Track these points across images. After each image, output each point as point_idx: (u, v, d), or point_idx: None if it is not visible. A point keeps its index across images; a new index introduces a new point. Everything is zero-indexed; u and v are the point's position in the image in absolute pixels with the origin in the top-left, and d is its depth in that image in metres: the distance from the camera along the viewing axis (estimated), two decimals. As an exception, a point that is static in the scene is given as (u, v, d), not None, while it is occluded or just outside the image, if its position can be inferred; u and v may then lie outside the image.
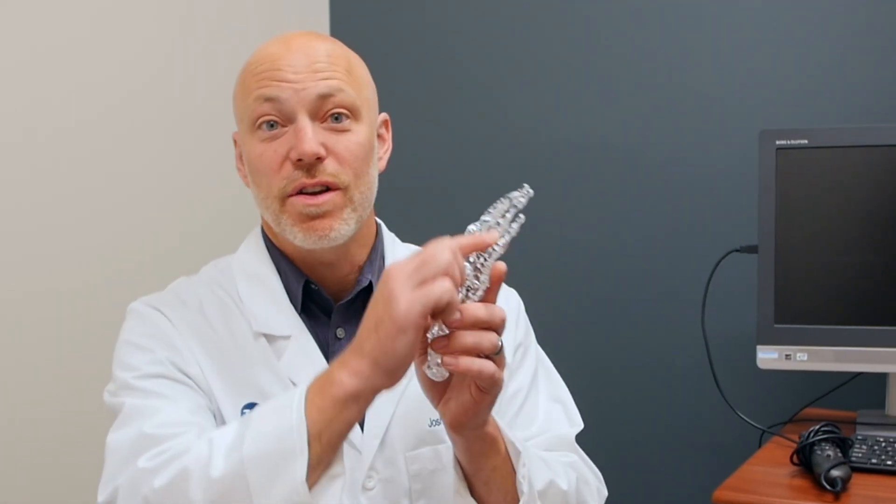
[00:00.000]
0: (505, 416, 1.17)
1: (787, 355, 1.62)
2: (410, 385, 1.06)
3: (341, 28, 2.26)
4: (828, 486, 1.33)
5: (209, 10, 1.99)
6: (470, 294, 0.91)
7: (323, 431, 0.89)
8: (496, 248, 0.91)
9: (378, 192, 1.14)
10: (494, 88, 2.13)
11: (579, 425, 1.21)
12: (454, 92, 2.17)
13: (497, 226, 0.92)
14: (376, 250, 1.17)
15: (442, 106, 2.18)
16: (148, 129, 1.86)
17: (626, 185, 2.01)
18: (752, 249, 1.67)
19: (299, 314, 1.12)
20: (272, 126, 1.07)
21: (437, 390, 0.96)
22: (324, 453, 0.90)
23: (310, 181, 1.05)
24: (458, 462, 1.03)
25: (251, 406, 1.06)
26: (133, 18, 1.83)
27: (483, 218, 0.93)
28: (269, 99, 1.06)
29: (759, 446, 1.64)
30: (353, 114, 1.08)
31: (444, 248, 0.87)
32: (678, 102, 1.96)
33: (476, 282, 0.91)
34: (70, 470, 1.69)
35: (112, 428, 1.02)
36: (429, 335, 0.92)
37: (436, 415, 0.99)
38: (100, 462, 1.01)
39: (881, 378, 1.68)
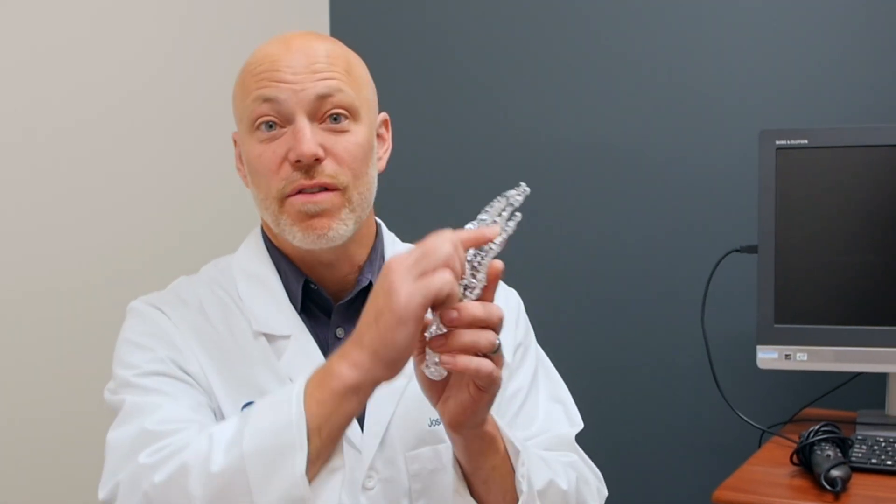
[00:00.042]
0: (505, 415, 1.17)
1: (786, 355, 1.62)
2: (410, 385, 1.06)
3: (341, 28, 2.26)
4: (828, 486, 1.33)
5: (209, 10, 1.99)
6: (467, 293, 0.91)
7: (323, 425, 0.89)
8: (493, 246, 0.91)
9: (378, 192, 1.14)
10: (494, 88, 2.13)
11: (579, 425, 1.21)
12: (454, 92, 2.17)
13: (494, 224, 0.92)
14: (376, 250, 1.17)
15: (442, 106, 2.18)
16: (148, 129, 1.86)
17: (626, 185, 2.01)
18: (751, 249, 1.67)
19: (299, 314, 1.13)
20: (271, 127, 1.07)
21: (436, 389, 0.96)
22: (323, 447, 0.90)
23: (308, 182, 1.05)
24: (457, 461, 1.03)
25: (251, 405, 1.06)
26: (133, 18, 1.83)
27: (480, 217, 0.93)
28: (267, 100, 1.06)
29: (759, 446, 1.64)
30: (352, 114, 1.08)
31: (444, 240, 0.88)
32: (678, 102, 1.96)
33: (473, 280, 0.91)
34: (70, 470, 1.69)
35: (112, 426, 1.02)
36: (427, 334, 0.92)
37: (436, 414, 0.99)
38: (100, 462, 1.01)
39: (881, 378, 1.68)
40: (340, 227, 1.07)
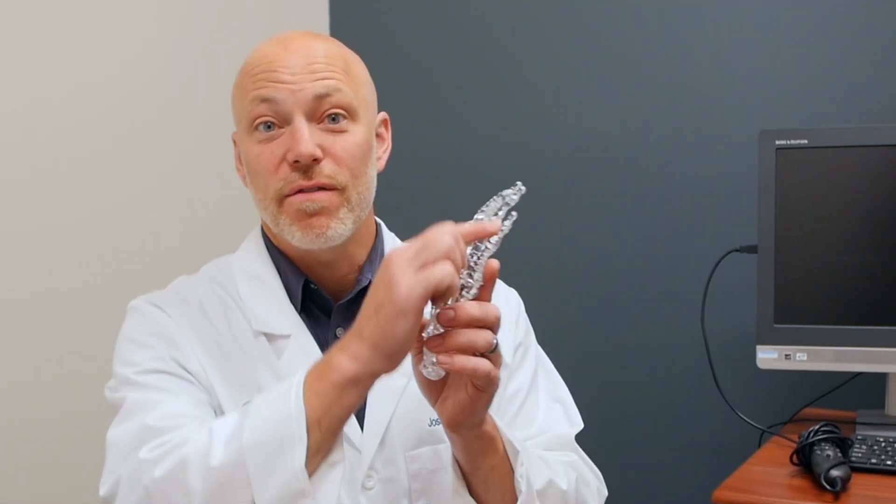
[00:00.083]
0: (505, 415, 1.17)
1: (786, 355, 1.62)
2: (410, 384, 1.06)
3: (341, 28, 2.26)
4: (827, 486, 1.33)
5: (209, 10, 1.99)
6: (464, 292, 0.91)
7: (322, 417, 0.89)
8: (489, 245, 0.91)
9: (378, 191, 1.14)
10: (494, 88, 2.13)
11: (579, 425, 1.21)
12: (454, 92, 2.17)
13: (494, 219, 0.92)
14: (376, 250, 1.17)
15: (442, 106, 2.18)
16: (148, 129, 1.86)
17: (626, 185, 2.01)
18: (751, 249, 1.67)
19: (299, 314, 1.13)
20: (269, 127, 1.07)
21: (435, 389, 0.96)
22: (324, 440, 0.90)
23: (306, 183, 1.05)
24: (456, 461, 1.03)
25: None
26: (133, 18, 1.83)
27: (476, 216, 0.93)
28: (265, 100, 1.06)
29: (759, 446, 1.64)
30: (350, 114, 1.08)
31: (445, 232, 0.88)
32: (678, 102, 1.96)
33: (470, 280, 0.91)
34: (70, 470, 1.69)
35: (113, 423, 1.03)
36: (424, 335, 0.92)
37: (436, 414, 0.99)
38: (99, 462, 1.01)
39: (881, 378, 1.68)
40: (339, 227, 1.07)
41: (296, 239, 1.07)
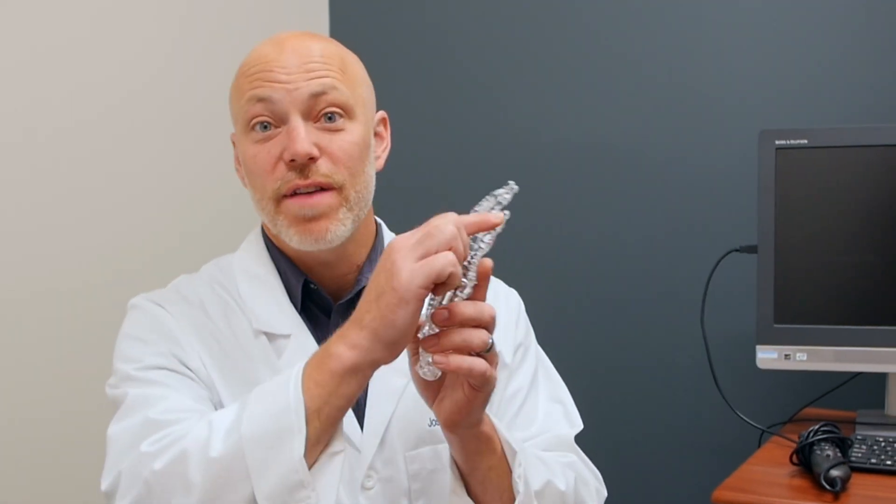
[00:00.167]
0: (505, 415, 1.17)
1: (786, 355, 1.62)
2: (410, 384, 1.06)
3: (341, 28, 2.26)
4: (827, 486, 1.33)
5: (209, 10, 1.99)
6: (458, 292, 0.91)
7: (322, 407, 0.90)
8: (483, 244, 0.91)
9: (377, 191, 1.14)
10: (494, 88, 2.13)
11: (579, 426, 1.21)
12: (454, 92, 2.17)
13: (497, 210, 0.92)
14: (376, 250, 1.17)
15: (441, 106, 2.18)
16: (148, 129, 1.86)
17: (626, 185, 2.01)
18: (751, 249, 1.67)
19: (299, 313, 1.13)
20: (265, 127, 1.07)
21: (432, 390, 0.96)
22: (323, 430, 0.90)
23: (303, 182, 1.05)
24: (453, 461, 1.03)
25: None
26: (133, 18, 1.83)
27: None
28: (261, 100, 1.06)
29: (759, 446, 1.64)
30: (347, 112, 1.08)
31: (447, 222, 0.88)
32: (678, 102, 1.96)
33: (464, 279, 0.91)
34: (70, 470, 1.69)
35: (114, 419, 1.03)
36: (420, 335, 0.92)
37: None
38: (100, 461, 1.01)
39: (881, 378, 1.68)
40: (339, 229, 1.07)
41: (294, 241, 1.08)
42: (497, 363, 0.95)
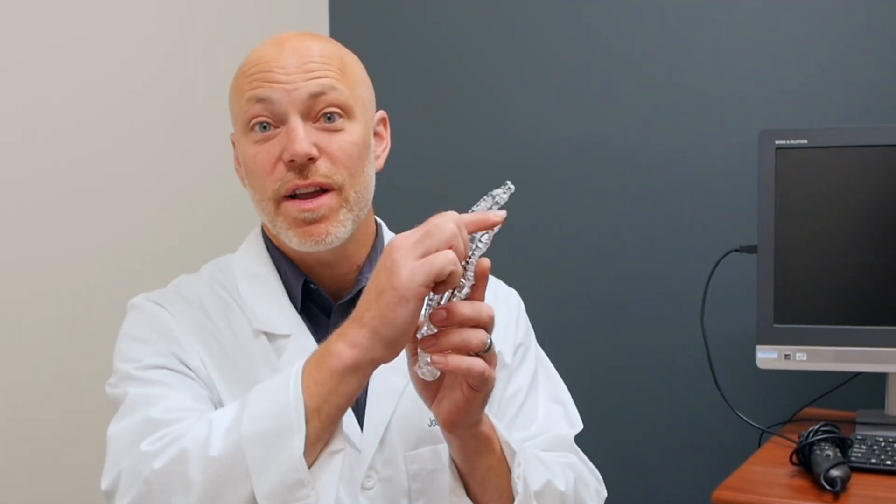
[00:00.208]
0: (504, 416, 1.17)
1: (786, 355, 1.62)
2: (410, 385, 1.06)
3: (341, 28, 2.26)
4: (827, 486, 1.33)
5: (209, 10, 1.99)
6: (456, 291, 0.91)
7: (322, 406, 0.90)
8: (480, 244, 0.91)
9: (377, 191, 1.14)
10: (494, 88, 2.13)
11: (579, 426, 1.21)
12: (454, 92, 2.17)
13: (497, 208, 0.92)
14: (376, 250, 1.17)
15: (441, 105, 2.18)
16: (148, 129, 1.86)
17: (626, 185, 2.01)
18: (751, 249, 1.67)
19: (299, 313, 1.13)
20: (265, 127, 1.07)
21: (430, 390, 0.96)
22: (323, 428, 0.90)
23: (303, 182, 1.05)
24: (453, 462, 1.03)
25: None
26: (133, 18, 1.83)
27: None
28: (260, 100, 1.06)
29: (759, 446, 1.64)
30: (347, 112, 1.08)
31: (448, 220, 0.88)
32: (678, 102, 1.96)
33: (462, 279, 0.91)
34: (70, 470, 1.69)
35: (114, 418, 1.03)
36: (418, 335, 0.92)
37: (434, 414, 0.99)
38: (100, 461, 1.01)
39: (881, 378, 1.68)
40: (338, 230, 1.07)
41: (294, 243, 1.08)
42: (496, 363, 0.95)
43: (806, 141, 1.62)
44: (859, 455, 1.45)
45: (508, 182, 0.95)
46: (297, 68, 1.06)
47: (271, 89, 1.05)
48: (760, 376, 1.72)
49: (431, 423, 1.12)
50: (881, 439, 1.50)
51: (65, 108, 1.71)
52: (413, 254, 0.87)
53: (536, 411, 1.19)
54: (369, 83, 1.15)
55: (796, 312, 1.62)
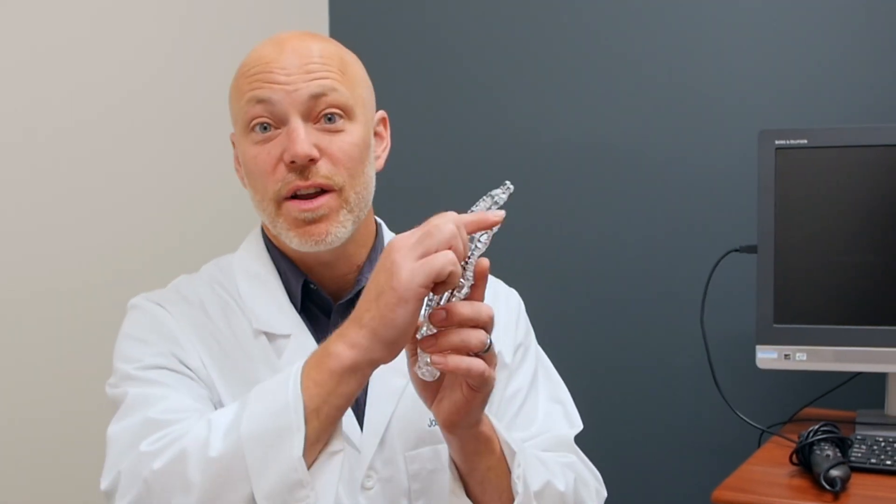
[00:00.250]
0: (504, 416, 1.17)
1: (786, 355, 1.62)
2: (410, 385, 1.06)
3: (341, 28, 2.26)
4: (827, 486, 1.33)
5: (209, 10, 1.99)
6: (455, 292, 0.91)
7: (321, 406, 0.90)
8: (479, 245, 0.91)
9: (377, 191, 1.14)
10: (494, 88, 2.13)
11: (578, 426, 1.21)
12: (454, 92, 2.17)
13: (496, 208, 0.92)
14: (376, 250, 1.17)
15: (441, 106, 2.18)
16: (148, 129, 1.86)
17: (626, 185, 2.01)
18: (751, 249, 1.67)
19: (299, 314, 1.13)
20: (265, 128, 1.07)
21: (430, 390, 0.96)
22: (322, 429, 0.90)
23: (304, 183, 1.05)
24: (452, 462, 1.03)
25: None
26: (133, 18, 1.83)
27: None
28: (261, 101, 1.06)
29: (759, 446, 1.64)
30: (347, 113, 1.08)
31: (447, 221, 0.88)
32: (678, 102, 1.96)
33: (461, 280, 0.91)
34: (70, 470, 1.69)
35: (114, 418, 1.03)
36: (417, 335, 0.92)
37: (434, 415, 0.99)
38: (100, 461, 1.01)
39: (880, 378, 1.68)
40: (339, 231, 1.07)
41: (294, 243, 1.08)
42: (495, 363, 0.95)
43: (806, 141, 1.62)
44: (859, 455, 1.46)
45: (507, 182, 0.95)
46: (298, 69, 1.06)
47: (272, 90, 1.05)
48: (760, 376, 1.72)
49: (431, 423, 1.12)
50: (881, 439, 1.50)
51: (65, 108, 1.71)
52: (412, 254, 0.87)
53: (536, 411, 1.19)
54: (369, 83, 1.15)
55: (796, 312, 1.62)
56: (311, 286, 1.13)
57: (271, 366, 1.09)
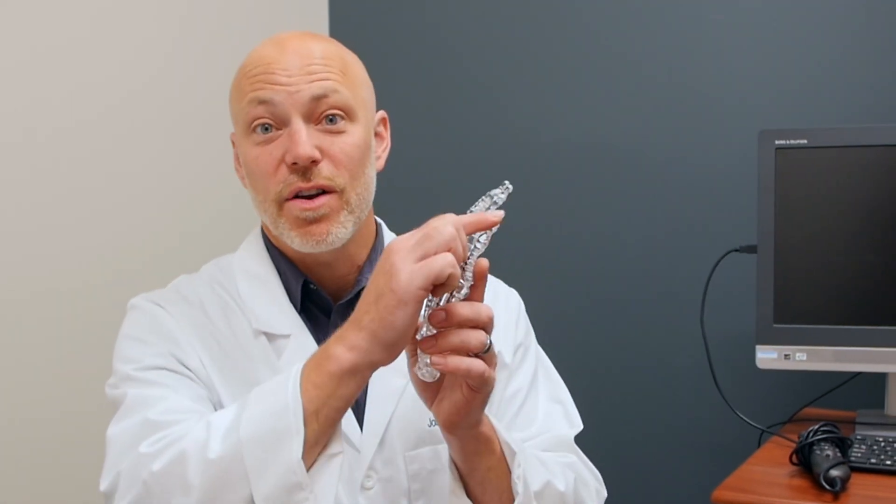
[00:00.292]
0: (504, 416, 1.17)
1: (786, 355, 1.62)
2: (410, 385, 1.06)
3: (341, 28, 2.26)
4: (827, 486, 1.33)
5: (209, 10, 1.99)
6: (455, 293, 0.91)
7: (320, 408, 0.90)
8: (478, 245, 0.91)
9: (378, 191, 1.14)
10: (494, 88, 2.13)
11: (578, 426, 1.21)
12: (454, 92, 2.17)
13: (495, 208, 0.92)
14: (376, 250, 1.17)
15: (441, 106, 2.18)
16: (148, 129, 1.86)
17: (626, 185, 2.01)
18: (751, 249, 1.67)
19: (299, 314, 1.13)
20: (267, 129, 1.07)
21: (430, 391, 0.96)
22: (321, 431, 0.90)
23: (305, 185, 1.05)
24: (453, 462, 1.03)
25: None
26: (133, 18, 1.83)
27: None
28: (262, 102, 1.06)
29: (759, 446, 1.64)
30: (348, 114, 1.08)
31: (446, 223, 0.88)
32: (678, 102, 1.96)
33: (461, 280, 0.91)
34: (70, 470, 1.69)
35: (114, 419, 1.03)
36: (417, 336, 0.92)
37: (434, 415, 0.99)
38: (100, 461, 1.01)
39: (880, 378, 1.68)
40: (340, 231, 1.07)
41: (296, 244, 1.08)
42: (495, 364, 0.95)
43: (806, 141, 1.62)
44: (859, 455, 1.46)
45: (506, 182, 0.95)
46: (299, 70, 1.06)
47: (273, 91, 1.05)
48: (760, 376, 1.72)
49: (431, 424, 1.12)
50: (881, 439, 1.50)
51: (65, 108, 1.71)
52: (412, 257, 0.87)
53: (536, 411, 1.19)
54: (370, 84, 1.15)
55: (796, 312, 1.62)
56: (311, 286, 1.13)
57: (271, 366, 1.09)
